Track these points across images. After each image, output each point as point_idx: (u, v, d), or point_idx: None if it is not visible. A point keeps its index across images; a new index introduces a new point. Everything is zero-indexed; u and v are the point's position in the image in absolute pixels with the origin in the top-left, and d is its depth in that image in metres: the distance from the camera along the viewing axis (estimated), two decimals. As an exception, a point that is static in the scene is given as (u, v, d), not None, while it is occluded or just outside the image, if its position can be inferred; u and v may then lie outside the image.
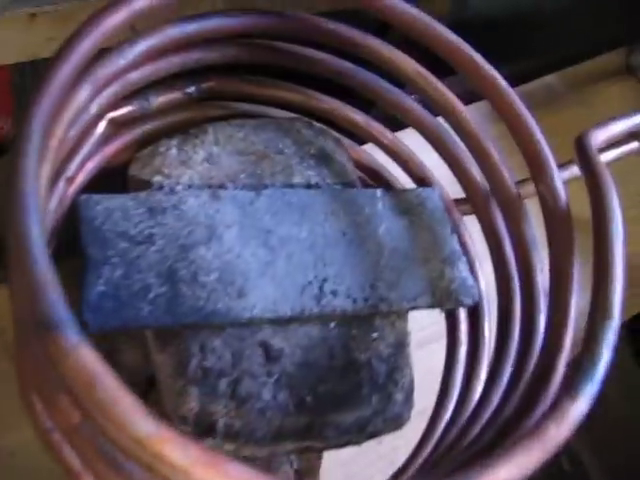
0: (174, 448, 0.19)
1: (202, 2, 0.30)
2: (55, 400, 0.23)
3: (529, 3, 0.80)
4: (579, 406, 0.24)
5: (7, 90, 0.72)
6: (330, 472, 0.37)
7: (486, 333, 0.35)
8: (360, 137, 0.38)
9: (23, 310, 0.24)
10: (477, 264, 0.37)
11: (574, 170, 0.37)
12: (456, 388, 0.34)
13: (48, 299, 0.20)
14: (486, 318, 0.35)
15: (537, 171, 0.31)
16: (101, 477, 0.25)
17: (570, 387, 0.25)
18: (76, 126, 0.28)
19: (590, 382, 0.25)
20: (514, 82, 0.63)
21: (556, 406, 0.24)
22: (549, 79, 0.69)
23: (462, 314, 0.37)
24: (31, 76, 0.71)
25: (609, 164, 0.40)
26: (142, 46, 0.29)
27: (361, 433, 0.31)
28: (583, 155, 0.31)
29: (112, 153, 0.33)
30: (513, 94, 0.32)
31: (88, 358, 0.20)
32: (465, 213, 0.38)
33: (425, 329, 0.42)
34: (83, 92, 0.27)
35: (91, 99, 0.27)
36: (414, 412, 0.33)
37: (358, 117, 0.37)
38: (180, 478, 0.20)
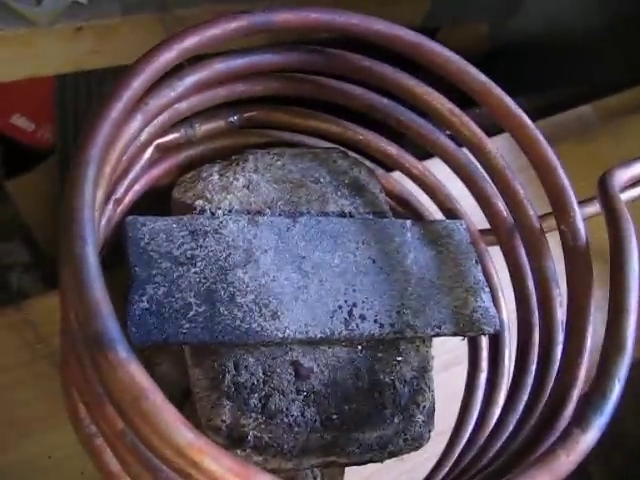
0: (211, 458, 0.21)
1: (247, 39, 0.32)
2: (101, 409, 0.25)
3: (565, 33, 0.81)
4: (588, 437, 0.26)
5: (50, 100, 0.75)
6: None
7: (506, 361, 0.36)
8: (392, 167, 0.40)
9: (74, 325, 0.26)
10: (500, 294, 0.38)
11: (597, 207, 0.38)
12: (475, 412, 0.36)
13: (102, 318, 0.22)
14: (506, 346, 0.37)
15: (559, 210, 0.32)
16: (138, 478, 0.27)
17: (581, 419, 0.26)
18: (127, 153, 0.30)
19: (600, 415, 0.26)
20: (548, 111, 0.65)
21: (566, 436, 0.26)
22: (582, 110, 0.70)
23: (484, 342, 0.38)
24: (73, 87, 0.74)
25: (633, 201, 0.42)
26: (190, 80, 0.31)
27: (383, 451, 0.32)
28: (605, 195, 0.33)
29: (157, 176, 0.35)
30: (536, 131, 0.34)
31: (136, 373, 0.22)
32: (490, 244, 0.39)
33: (449, 353, 0.43)
34: (135, 123, 0.29)
35: (141, 129, 0.29)
36: (435, 432, 0.35)
37: (391, 148, 0.39)
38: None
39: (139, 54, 0.29)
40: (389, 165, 0.40)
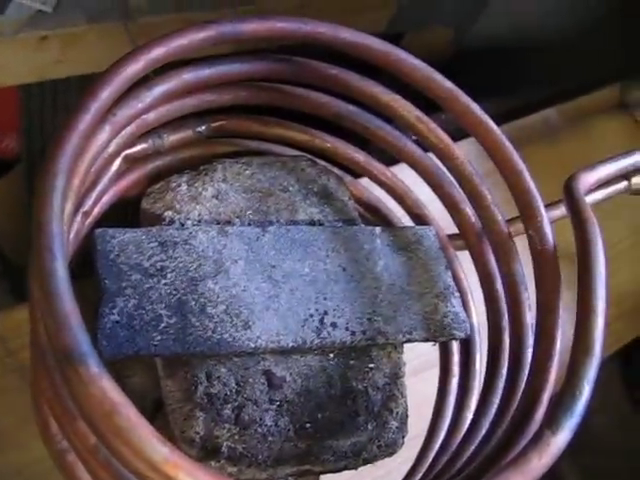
0: (185, 473, 0.21)
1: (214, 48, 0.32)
2: (72, 424, 0.25)
3: (529, 36, 0.82)
4: (559, 439, 0.26)
5: (15, 109, 0.74)
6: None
7: (477, 366, 0.37)
8: (360, 174, 0.40)
9: (44, 339, 0.26)
10: (470, 298, 0.39)
11: (564, 210, 0.39)
12: (447, 417, 0.36)
13: (72, 332, 0.22)
14: (477, 351, 0.37)
15: (526, 215, 0.33)
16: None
17: (551, 421, 0.26)
18: (95, 164, 0.30)
19: (570, 416, 0.27)
20: (514, 115, 0.65)
21: (538, 438, 0.26)
22: (547, 113, 0.71)
23: (455, 346, 0.38)
24: (38, 97, 0.73)
25: (598, 204, 0.43)
26: (159, 90, 0.31)
27: (357, 458, 0.33)
28: (571, 199, 0.33)
29: (125, 187, 0.35)
30: (502, 136, 0.34)
31: (108, 388, 0.22)
32: (459, 248, 0.39)
33: (419, 357, 0.43)
34: (103, 134, 0.28)
35: (110, 140, 0.29)
36: (407, 436, 0.35)
37: (358, 155, 0.39)
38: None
39: (104, 62, 0.29)
40: (357, 172, 0.40)
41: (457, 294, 0.35)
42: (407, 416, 0.34)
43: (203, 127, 0.36)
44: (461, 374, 0.37)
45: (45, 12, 0.59)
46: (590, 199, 0.40)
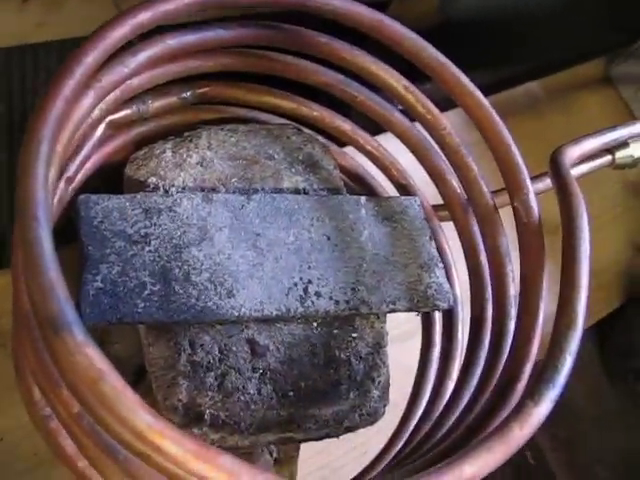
0: (171, 441, 0.21)
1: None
2: (56, 392, 0.25)
3: (515, 10, 0.82)
4: (541, 410, 0.26)
5: (-4, 77, 0.73)
6: (306, 461, 0.39)
7: (459, 336, 0.37)
8: (345, 143, 0.40)
9: (28, 307, 0.25)
10: (453, 269, 0.39)
11: (549, 182, 0.39)
12: (428, 387, 0.36)
13: (57, 301, 0.22)
14: (460, 321, 0.37)
15: (512, 187, 0.33)
16: (96, 463, 0.27)
17: (533, 392, 0.27)
18: (79, 130, 0.29)
19: (552, 388, 0.27)
20: (497, 87, 0.65)
21: (519, 409, 0.26)
22: (531, 86, 0.71)
23: (437, 316, 0.39)
24: (19, 61, 0.72)
25: (582, 177, 0.43)
26: (144, 55, 0.30)
27: (339, 426, 0.33)
28: (556, 172, 0.33)
29: (109, 153, 0.35)
30: (491, 110, 0.34)
31: (94, 356, 0.21)
32: (443, 219, 0.40)
33: (400, 326, 0.44)
34: (87, 99, 0.28)
35: (94, 105, 0.29)
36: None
37: (344, 124, 0.39)
38: (174, 468, 0.22)
39: (88, 27, 0.28)
40: (343, 141, 0.40)
41: (441, 265, 0.35)
42: (389, 385, 0.34)
43: (188, 93, 0.36)
44: (443, 344, 0.38)
45: (26, -26, 0.58)
46: (574, 172, 0.41)
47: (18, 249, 0.23)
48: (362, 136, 0.39)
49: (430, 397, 0.36)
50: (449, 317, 0.38)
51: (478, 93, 0.33)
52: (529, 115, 0.65)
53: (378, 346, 0.34)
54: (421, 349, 0.39)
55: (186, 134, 0.35)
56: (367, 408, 0.33)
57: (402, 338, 0.44)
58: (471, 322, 0.35)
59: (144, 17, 0.28)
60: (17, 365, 0.29)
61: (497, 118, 0.33)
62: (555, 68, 0.70)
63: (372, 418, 0.34)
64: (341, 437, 0.34)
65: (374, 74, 0.35)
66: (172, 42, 0.31)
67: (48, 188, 0.25)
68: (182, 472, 0.22)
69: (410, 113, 0.36)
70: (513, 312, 0.32)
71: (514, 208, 0.33)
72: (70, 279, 0.29)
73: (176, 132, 0.36)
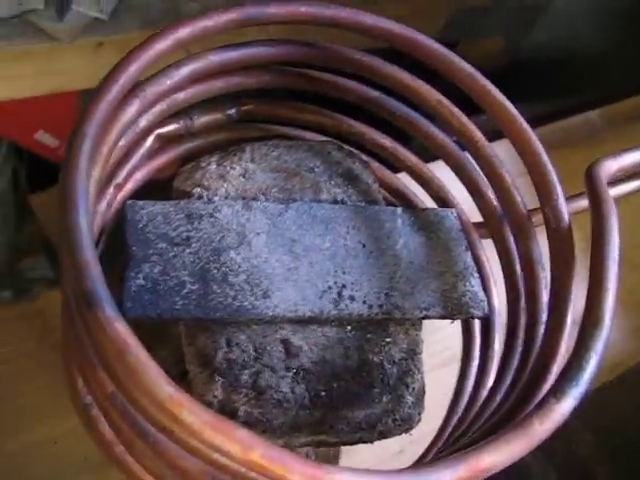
0: (189, 411, 0.22)
1: (243, 32, 0.33)
2: (92, 371, 0.27)
3: (575, 43, 0.82)
4: (563, 406, 0.26)
5: (73, 115, 0.77)
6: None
7: (496, 347, 0.37)
8: (387, 160, 0.41)
9: (69, 290, 0.27)
10: (492, 281, 0.39)
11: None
12: (467, 393, 0.36)
13: (90, 278, 0.23)
14: (497, 332, 0.37)
15: (543, 193, 0.33)
16: (130, 446, 0.28)
17: (556, 389, 0.27)
18: (126, 137, 0.32)
19: (575, 385, 0.27)
20: (556, 116, 0.66)
21: (542, 406, 0.27)
22: (589, 115, 0.71)
23: (477, 329, 0.39)
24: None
25: (628, 195, 0.43)
26: (187, 69, 0.32)
27: (372, 430, 0.33)
28: (590, 184, 0.34)
29: (158, 166, 0.37)
30: (520, 117, 0.35)
31: (121, 330, 0.23)
32: (483, 236, 0.40)
33: (450, 348, 0.44)
34: (132, 107, 0.30)
35: (139, 114, 0.31)
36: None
37: (384, 141, 0.40)
38: (193, 441, 0.23)
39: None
40: (383, 157, 0.41)
41: (476, 275, 0.36)
42: (424, 393, 0.35)
43: (233, 110, 0.38)
44: (481, 356, 0.38)
45: (101, 19, 0.62)
46: (617, 190, 0.41)
47: (60, 236, 0.25)
48: (402, 152, 0.40)
49: (466, 405, 0.36)
50: (487, 328, 0.38)
51: (505, 100, 0.34)
52: (586, 143, 0.65)
53: (412, 352, 0.35)
54: (461, 361, 0.39)
55: (231, 149, 0.37)
56: (401, 413, 0.34)
57: (450, 360, 0.44)
58: (507, 331, 0.35)
59: (184, 32, 0.30)
60: (64, 358, 0.31)
61: (526, 126, 0.34)
62: (614, 98, 0.70)
63: (407, 424, 0.34)
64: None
65: (409, 88, 0.36)
66: (214, 58, 0.33)
67: (90, 182, 0.27)
68: (201, 444, 0.23)
69: (444, 126, 0.37)
70: (544, 318, 0.33)
71: (544, 214, 0.33)
72: (116, 284, 0.31)
73: (221, 148, 0.38)
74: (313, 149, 0.38)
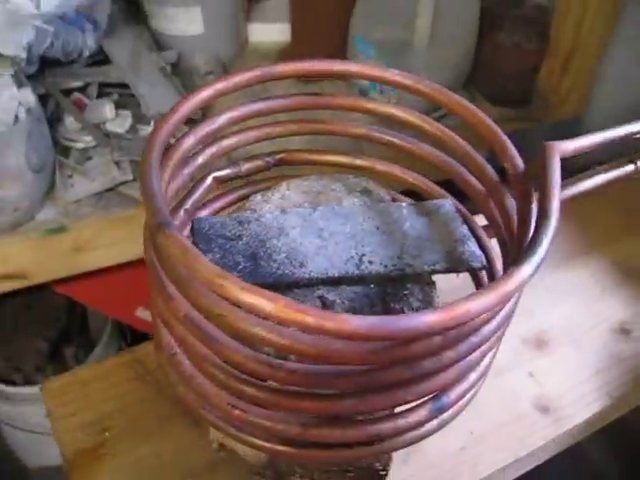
0: (230, 282, 0.31)
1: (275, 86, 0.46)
2: (168, 303, 0.36)
3: None
4: (521, 272, 0.34)
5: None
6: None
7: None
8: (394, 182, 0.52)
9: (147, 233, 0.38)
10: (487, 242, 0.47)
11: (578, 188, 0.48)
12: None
13: (159, 212, 0.34)
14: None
15: (500, 153, 0.43)
16: (203, 367, 0.37)
17: (518, 261, 0.35)
18: (189, 167, 0.44)
19: (532, 255, 0.35)
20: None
21: (507, 272, 0.35)
22: None
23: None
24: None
25: (607, 186, 0.51)
26: (224, 117, 0.45)
27: None
28: (544, 152, 0.43)
29: (218, 208, 0.49)
30: (480, 112, 0.45)
31: (182, 240, 0.33)
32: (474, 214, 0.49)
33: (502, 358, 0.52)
34: (189, 139, 0.43)
35: (194, 146, 0.43)
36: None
37: (395, 170, 0.51)
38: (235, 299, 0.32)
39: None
40: (395, 184, 0.51)
41: (473, 239, 0.44)
42: None
43: (270, 158, 0.50)
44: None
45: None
46: (591, 182, 0.50)
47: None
48: (412, 175, 0.50)
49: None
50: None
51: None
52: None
53: (428, 303, 0.43)
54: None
55: (272, 187, 0.49)
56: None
57: (502, 369, 0.51)
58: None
59: (221, 85, 0.43)
60: (153, 317, 0.40)
61: (478, 110, 0.44)
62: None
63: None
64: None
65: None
66: (244, 108, 0.46)
67: (161, 181, 0.38)
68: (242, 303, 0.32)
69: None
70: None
71: (505, 168, 0.42)
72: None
73: (263, 187, 0.49)
74: (335, 178, 0.50)
